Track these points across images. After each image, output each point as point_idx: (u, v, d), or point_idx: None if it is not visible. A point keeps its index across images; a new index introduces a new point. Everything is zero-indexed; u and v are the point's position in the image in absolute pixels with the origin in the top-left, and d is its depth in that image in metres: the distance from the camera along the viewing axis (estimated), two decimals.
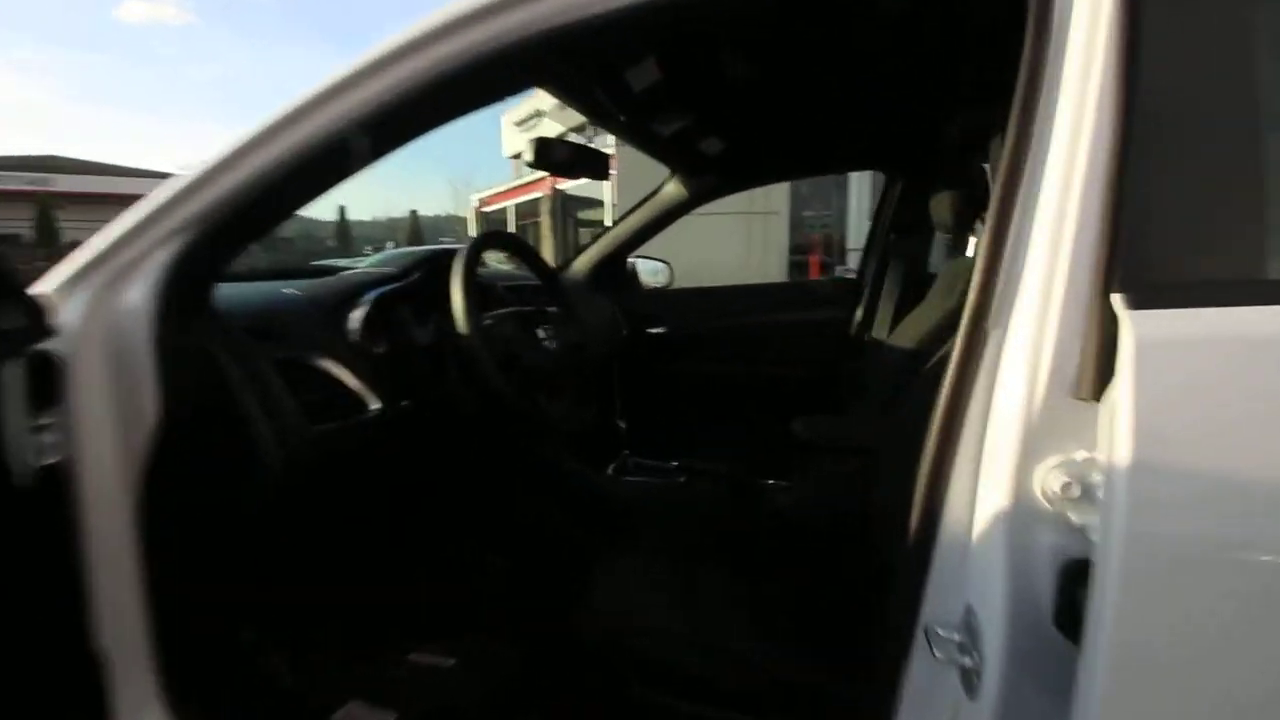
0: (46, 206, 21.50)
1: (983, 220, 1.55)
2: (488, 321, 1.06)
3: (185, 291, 0.82)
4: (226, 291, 0.97)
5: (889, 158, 1.88)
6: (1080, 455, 0.50)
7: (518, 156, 19.34)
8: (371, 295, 1.07)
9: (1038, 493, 0.51)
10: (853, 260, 7.00)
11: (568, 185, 14.09)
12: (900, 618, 0.62)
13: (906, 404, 1.15)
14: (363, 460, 1.04)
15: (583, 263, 2.23)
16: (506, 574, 1.36)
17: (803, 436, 1.33)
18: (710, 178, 1.94)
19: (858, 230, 6.97)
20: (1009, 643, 0.51)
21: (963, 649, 0.55)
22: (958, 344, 0.58)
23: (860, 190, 6.80)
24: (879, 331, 1.94)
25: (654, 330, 2.29)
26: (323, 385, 0.96)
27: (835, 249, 7.67)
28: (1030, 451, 0.51)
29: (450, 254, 1.25)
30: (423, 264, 1.21)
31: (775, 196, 6.40)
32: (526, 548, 1.42)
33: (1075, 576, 0.50)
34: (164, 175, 1.05)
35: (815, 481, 1.37)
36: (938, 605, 0.60)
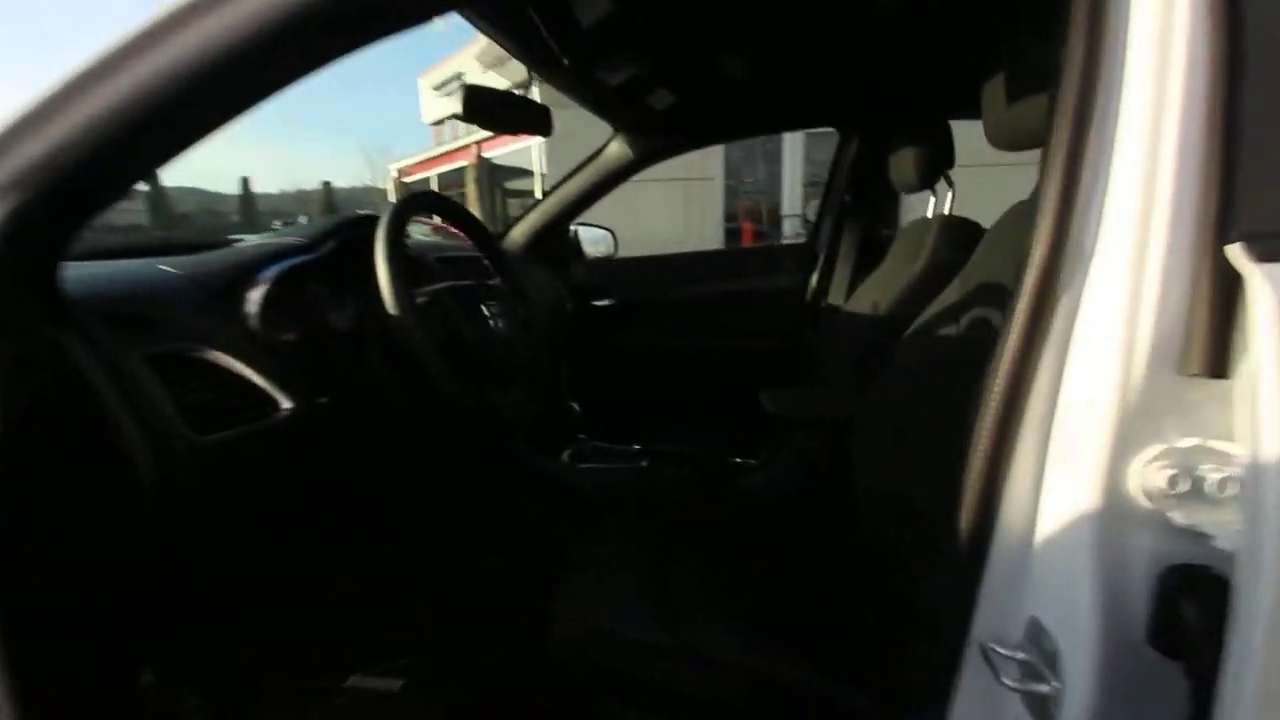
0: None
1: (948, 179, 1.49)
2: (422, 299, 0.90)
3: (16, 270, 0.62)
4: (81, 271, 0.76)
5: (845, 114, 1.79)
6: (1188, 443, 0.41)
7: (439, 123, 18.43)
8: (273, 271, 0.88)
9: (1133, 489, 0.42)
10: (788, 227, 7.02)
11: (494, 153, 13.52)
12: (946, 632, 0.53)
13: (885, 374, 1.07)
14: (272, 471, 0.86)
15: (520, 232, 2.05)
16: (456, 585, 1.21)
17: (773, 411, 1.24)
18: (658, 136, 1.79)
19: (791, 197, 6.98)
20: (1101, 665, 0.43)
21: (1033, 672, 0.46)
22: (1015, 313, 0.48)
23: (794, 156, 6.79)
24: (835, 297, 1.87)
25: (601, 303, 2.15)
26: (215, 384, 0.78)
27: (769, 216, 7.66)
28: (1124, 440, 0.42)
29: (370, 220, 1.06)
30: (336, 232, 1.02)
31: (709, 162, 6.30)
32: (477, 554, 1.28)
33: (1180, 586, 0.41)
34: None
35: (788, 459, 1.29)
36: (993, 619, 0.50)
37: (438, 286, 0.94)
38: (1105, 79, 0.45)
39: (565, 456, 1.39)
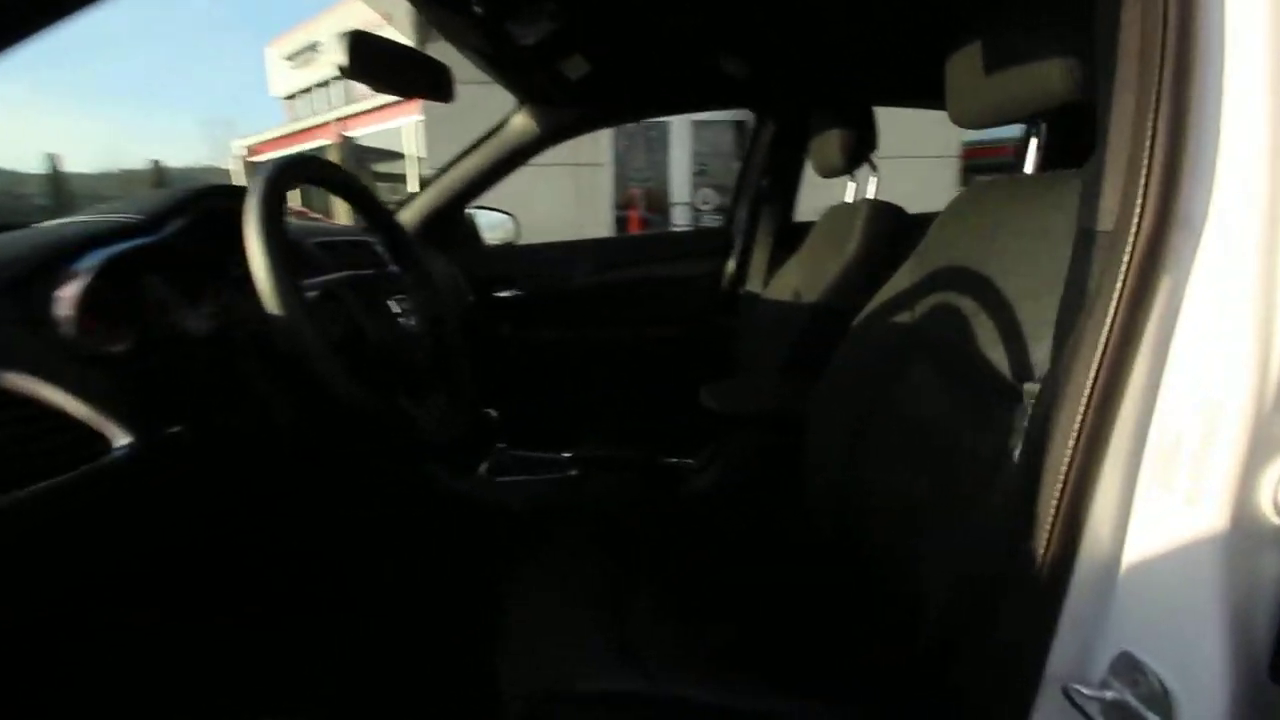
0: None
1: (871, 164, 1.47)
2: (311, 293, 0.70)
3: None
4: None
5: (764, 96, 1.73)
6: None
7: (292, 97, 16.74)
8: (95, 259, 0.64)
9: (1265, 505, 0.36)
10: (677, 216, 7.04)
11: (359, 132, 12.47)
12: (1014, 668, 0.45)
13: (836, 364, 1.01)
14: (104, 534, 0.63)
15: (410, 216, 1.82)
16: (367, 656, 1.01)
17: (718, 408, 1.15)
18: (569, 110, 1.64)
19: (680, 185, 7.00)
20: (1229, 707, 0.36)
21: (1132, 715, 0.40)
22: (1085, 305, 0.41)
23: (681, 143, 6.80)
24: (754, 284, 1.83)
25: (504, 293, 1.96)
26: (13, 418, 0.55)
27: (656, 203, 7.68)
28: (1257, 449, 0.35)
29: (229, 192, 0.84)
30: (182, 208, 0.78)
31: (598, 148, 6.16)
32: (390, 599, 1.08)
33: None
34: None
35: (732, 457, 1.21)
36: (1072, 654, 0.43)
37: (331, 277, 0.74)
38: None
39: (482, 471, 1.22)
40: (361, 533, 1.09)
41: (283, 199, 0.67)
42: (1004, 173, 0.86)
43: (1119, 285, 0.39)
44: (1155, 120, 0.38)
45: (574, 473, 1.23)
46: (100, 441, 0.60)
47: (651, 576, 0.86)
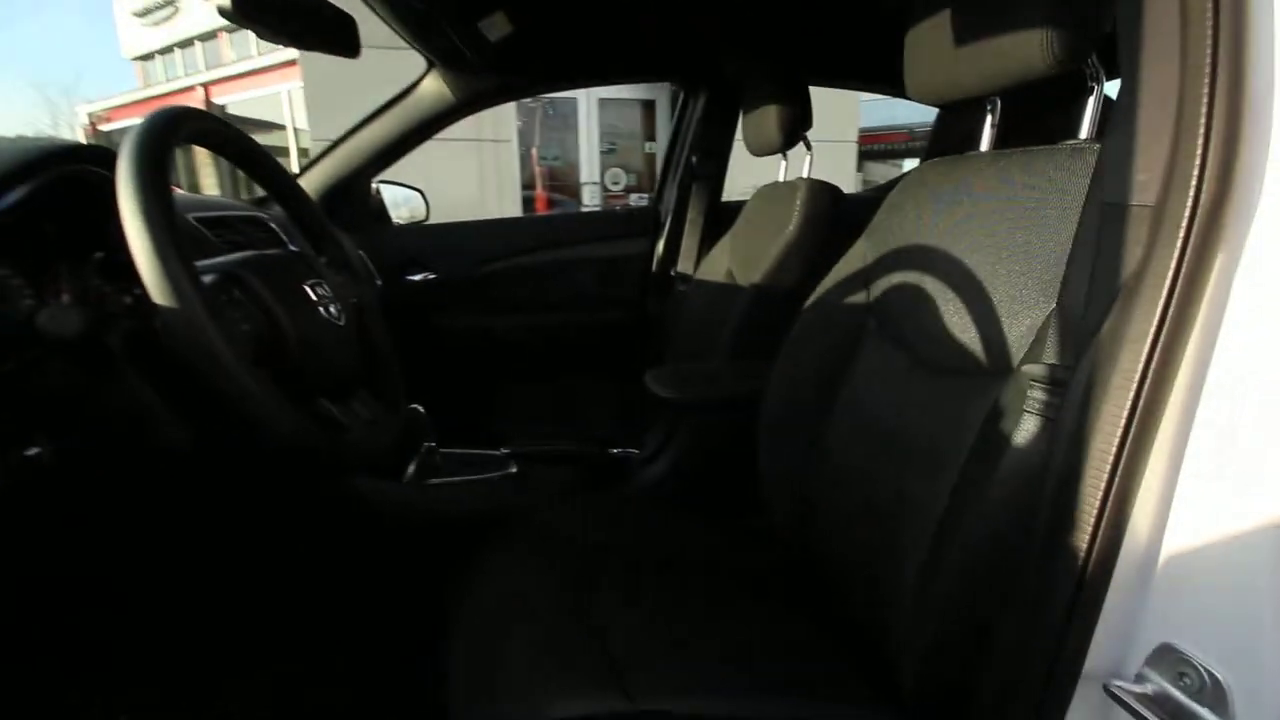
0: None
1: (806, 142, 1.45)
2: (208, 277, 0.56)
3: None
4: None
5: (694, 68, 1.67)
6: None
7: (147, 58, 14.88)
8: None
9: None
10: (587, 195, 6.91)
11: (229, 99, 11.26)
12: (1046, 665, 0.43)
13: (788, 347, 0.99)
14: None
15: (308, 190, 1.61)
16: (293, 677, 0.87)
17: (667, 395, 1.10)
18: (487, 75, 1.51)
19: (589, 164, 6.86)
20: None
21: (1181, 711, 0.38)
22: (1120, 283, 0.38)
23: (589, 121, 6.65)
24: (685, 265, 1.79)
25: (416, 277, 1.81)
26: None
27: (567, 183, 7.49)
28: None
29: (84, 154, 0.68)
30: (25, 173, 0.61)
31: (503, 124, 5.90)
32: (319, 633, 0.95)
33: None
34: None
35: (682, 445, 1.16)
36: (1108, 648, 0.42)
37: (231, 259, 0.60)
38: None
39: (410, 472, 1.10)
40: (280, 560, 0.94)
41: (167, 159, 0.52)
42: (897, 157, 0.85)
43: (1172, 263, 0.37)
44: (1211, 90, 0.36)
45: (513, 470, 1.13)
46: None
47: (613, 585, 0.79)
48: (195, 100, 11.68)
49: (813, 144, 1.37)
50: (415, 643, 0.81)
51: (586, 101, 6.42)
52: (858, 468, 0.79)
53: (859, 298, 0.90)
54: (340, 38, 1.02)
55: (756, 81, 1.35)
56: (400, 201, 1.99)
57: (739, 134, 1.59)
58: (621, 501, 1.04)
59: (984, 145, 0.78)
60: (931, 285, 0.75)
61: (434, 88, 1.54)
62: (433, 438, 1.18)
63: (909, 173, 0.90)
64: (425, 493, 1.06)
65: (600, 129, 6.65)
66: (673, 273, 1.79)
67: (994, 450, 0.54)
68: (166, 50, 14.59)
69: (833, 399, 0.87)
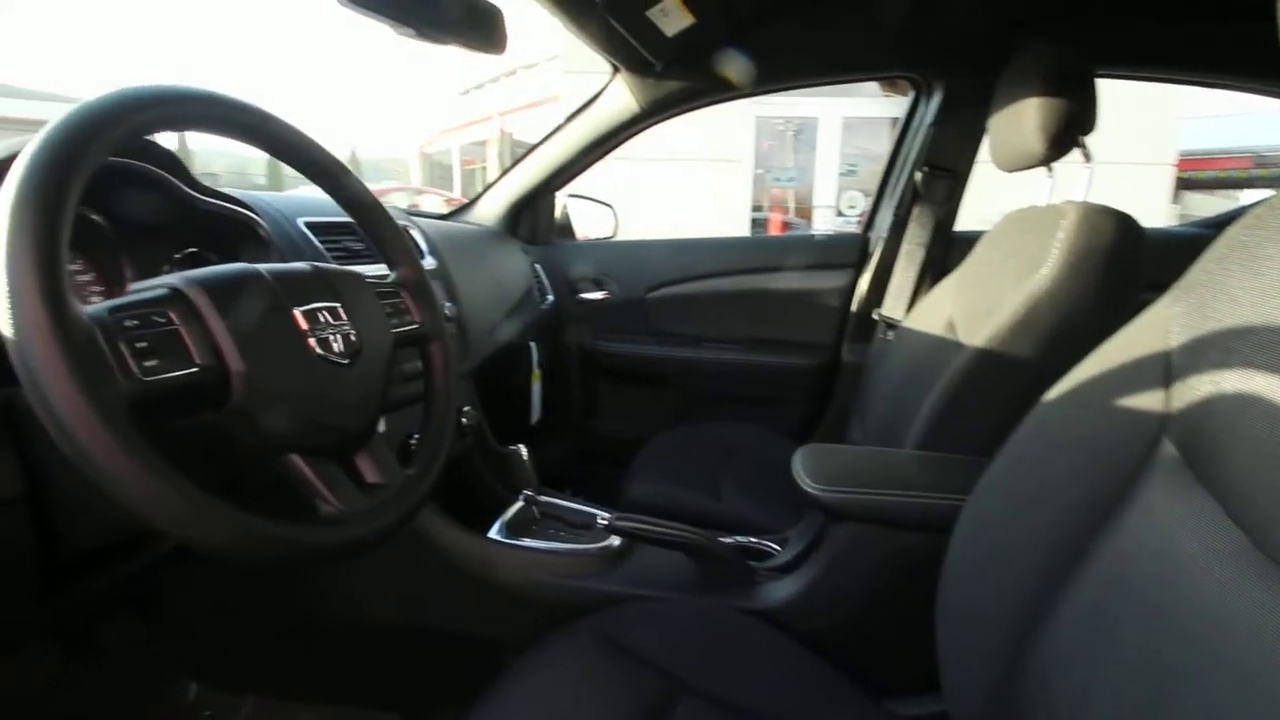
0: None
1: (1084, 149, 1.01)
2: (145, 293, 0.44)
3: None
4: None
5: (930, 55, 1.31)
6: None
7: (466, 93, 17.94)
8: None
9: None
10: (819, 219, 6.48)
11: (515, 129, 12.95)
12: None
13: (1016, 440, 0.62)
14: None
15: (495, 202, 1.61)
16: None
17: (811, 488, 0.80)
18: (671, 78, 1.34)
19: (824, 186, 6.42)
20: None
21: None
22: None
23: (830, 142, 6.22)
24: (893, 308, 1.42)
25: (590, 295, 1.71)
26: None
27: (799, 207, 7.13)
28: None
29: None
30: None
31: (737, 144, 5.78)
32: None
33: None
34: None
35: (834, 555, 0.84)
36: None
37: (186, 275, 0.46)
38: None
39: (497, 527, 0.96)
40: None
41: (79, 160, 0.40)
42: (1232, 188, 0.43)
43: None
44: None
45: (615, 543, 0.93)
46: None
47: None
48: (491, 126, 13.69)
49: (1111, 166, 0.93)
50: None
51: (829, 120, 6.00)
52: (1118, 692, 0.43)
53: (1150, 399, 0.51)
54: (480, 31, 0.92)
55: (1021, 69, 0.96)
56: (591, 216, 1.94)
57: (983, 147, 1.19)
58: (736, 622, 0.77)
59: None
60: None
61: (618, 96, 1.42)
62: (533, 484, 1.03)
63: (1259, 204, 0.49)
64: (510, 556, 0.91)
65: (843, 149, 6.17)
66: (876, 315, 1.43)
67: None
68: (481, 85, 17.44)
69: (1079, 556, 0.51)
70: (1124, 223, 0.85)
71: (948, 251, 1.43)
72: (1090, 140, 0.96)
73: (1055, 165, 0.96)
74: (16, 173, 0.38)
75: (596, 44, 1.23)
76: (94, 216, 0.63)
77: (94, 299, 0.65)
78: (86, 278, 0.65)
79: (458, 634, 0.93)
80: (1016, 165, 1.00)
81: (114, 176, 0.60)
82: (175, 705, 0.94)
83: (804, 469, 0.83)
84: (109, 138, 0.41)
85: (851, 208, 6.07)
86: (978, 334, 0.88)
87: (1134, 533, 0.47)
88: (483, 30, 0.92)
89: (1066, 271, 0.82)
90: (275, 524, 0.44)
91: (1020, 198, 1.06)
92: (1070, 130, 0.92)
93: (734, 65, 1.30)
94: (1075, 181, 0.97)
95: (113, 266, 0.65)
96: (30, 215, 0.37)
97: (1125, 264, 0.83)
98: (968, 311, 1.02)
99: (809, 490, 0.79)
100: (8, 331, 0.35)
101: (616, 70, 1.37)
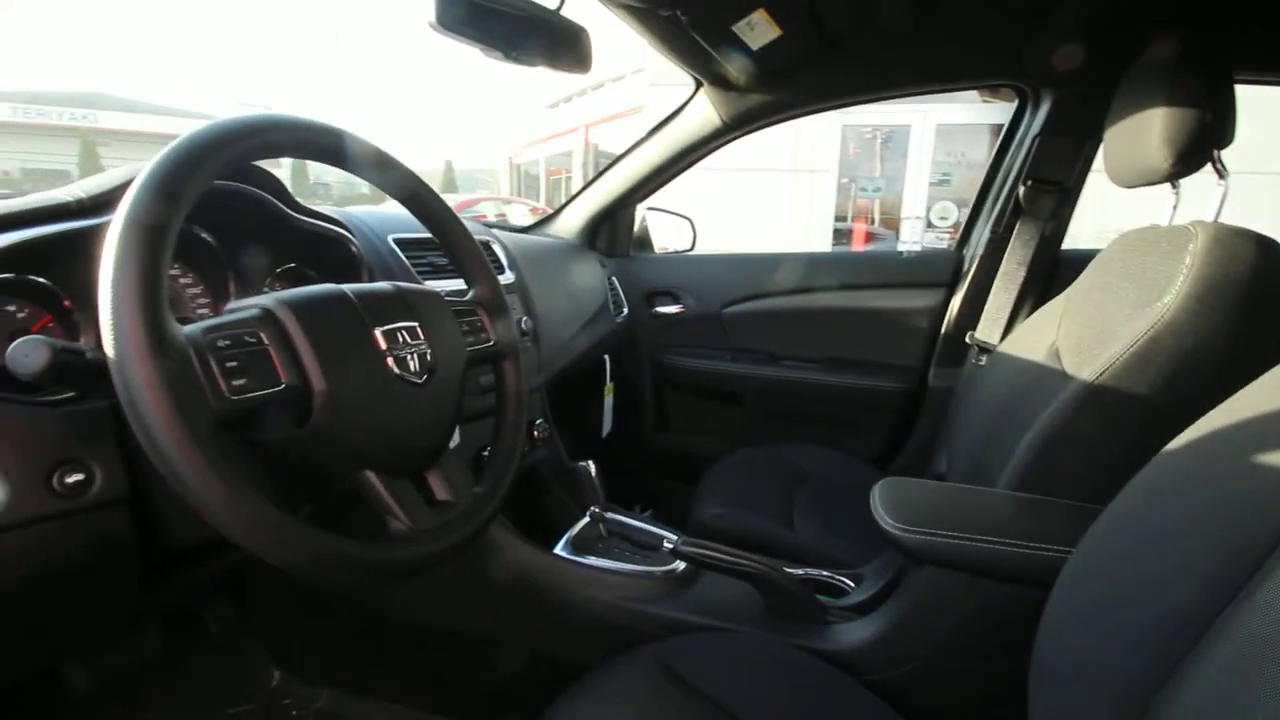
0: (90, 143, 21.34)
1: (1217, 165, 0.88)
2: (236, 315, 0.46)
3: None
4: None
5: (1034, 63, 1.22)
6: None
7: (555, 106, 18.51)
8: None
9: None
10: (906, 231, 6.20)
11: (600, 140, 13.21)
12: None
13: (1131, 500, 0.56)
14: None
15: (576, 214, 1.63)
16: None
17: (890, 527, 0.75)
18: (757, 91, 1.31)
19: (914, 197, 6.13)
20: None
21: None
22: None
23: (921, 151, 5.94)
24: (989, 332, 1.32)
25: (666, 309, 1.70)
26: None
27: (885, 218, 6.85)
28: None
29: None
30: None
31: (824, 152, 5.63)
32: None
33: None
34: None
35: (908, 604, 0.79)
36: None
37: (279, 295, 0.49)
38: None
39: (563, 543, 0.96)
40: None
41: (184, 189, 0.43)
42: None
43: None
44: None
45: (679, 567, 0.91)
46: None
47: None
48: (577, 138, 14.04)
49: (1245, 176, 0.83)
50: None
51: (921, 127, 5.73)
52: None
53: None
54: (566, 52, 0.93)
55: (1146, 74, 0.87)
56: (670, 228, 1.93)
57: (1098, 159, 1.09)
58: (802, 663, 0.73)
59: None
60: None
61: (701, 110, 1.40)
62: (600, 501, 1.02)
63: None
64: (574, 573, 0.91)
65: (937, 157, 5.88)
66: (969, 338, 1.34)
67: None
68: (569, 99, 17.94)
69: (1205, 630, 0.44)
70: (1266, 247, 0.75)
71: (1053, 272, 1.32)
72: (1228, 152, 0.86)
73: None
74: (126, 202, 0.41)
75: (680, 59, 1.23)
76: (203, 235, 0.68)
77: (202, 311, 0.70)
78: (196, 290, 0.70)
79: (520, 647, 0.94)
80: (1136, 181, 0.91)
81: (221, 197, 0.64)
82: (261, 689, 0.99)
83: (883, 505, 0.77)
84: (209, 168, 0.44)
85: (943, 219, 5.75)
86: (1087, 366, 0.80)
87: (1276, 612, 0.41)
88: (569, 50, 0.94)
89: (1193, 302, 0.73)
90: (345, 543, 0.46)
91: (1129, 212, 0.96)
92: (1203, 144, 0.82)
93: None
94: (1204, 196, 0.87)
95: (219, 280, 0.70)
96: (134, 244, 0.40)
97: (1265, 296, 0.73)
98: (1075, 340, 0.93)
99: (889, 529, 0.74)
100: (109, 350, 0.38)
101: (700, 84, 1.36)
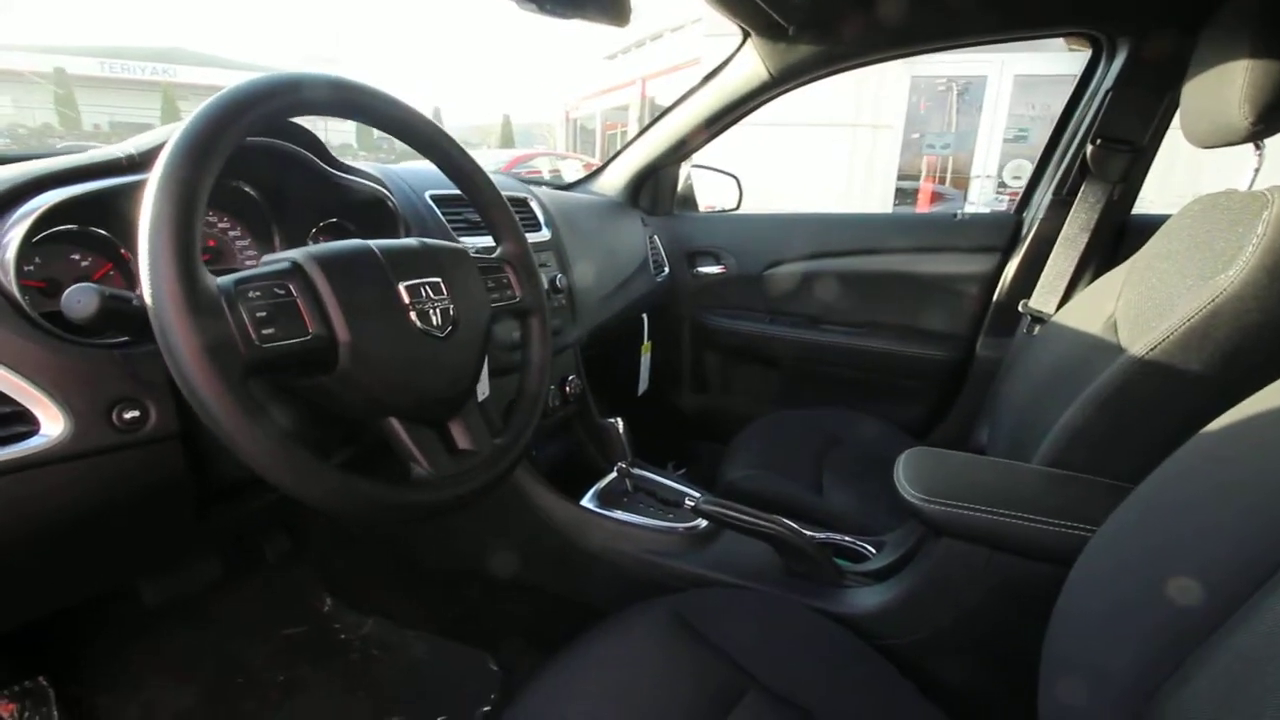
0: (171, 97, 22.32)
1: None
2: (266, 268, 0.49)
3: None
4: None
5: (1111, 8, 1.12)
6: None
7: (612, 57, 18.13)
8: (41, 202, 0.52)
9: None
10: (975, 191, 5.86)
11: (657, 93, 12.90)
12: None
13: (1174, 476, 0.54)
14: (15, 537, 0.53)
15: (620, 171, 1.62)
16: None
17: (912, 498, 0.74)
18: (805, 41, 1.25)
19: (987, 155, 5.77)
20: None
21: None
22: None
23: (997, 105, 5.54)
24: (1044, 300, 1.26)
25: (707, 269, 1.69)
26: None
27: (955, 176, 6.47)
28: None
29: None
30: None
31: (888, 106, 5.33)
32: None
33: None
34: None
35: (926, 575, 0.78)
36: None
37: (306, 250, 0.51)
38: None
39: (590, 495, 0.99)
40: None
41: (217, 145, 0.44)
42: None
43: None
44: None
45: (700, 525, 0.93)
46: (23, 422, 0.49)
47: None
48: (633, 91, 13.74)
49: None
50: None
51: (998, 77, 5.34)
52: None
53: None
54: (603, 4, 0.91)
55: (1234, 20, 0.79)
56: (715, 187, 1.89)
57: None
58: (815, 624, 0.74)
59: None
60: None
61: (748, 62, 1.35)
62: (627, 457, 1.04)
63: None
64: (598, 524, 0.94)
65: (1016, 111, 5.49)
66: (1022, 307, 1.28)
67: None
68: (627, 50, 17.52)
69: (1225, 618, 0.43)
70: None
71: (1120, 239, 1.23)
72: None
73: (1267, 142, 0.79)
74: (161, 160, 0.44)
75: (724, 6, 1.18)
76: (247, 189, 0.71)
77: (250, 263, 0.74)
78: (245, 243, 0.74)
79: (544, 589, 0.98)
80: (1213, 140, 0.83)
81: (262, 154, 0.67)
82: (313, 614, 1.09)
83: (905, 474, 0.77)
84: (237, 129, 0.47)
85: (1016, 178, 5.39)
86: (1141, 338, 0.76)
87: None
88: (606, 3, 0.92)
89: (1261, 274, 0.67)
90: (363, 482, 0.49)
91: (1223, 176, 0.88)
92: None
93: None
94: None
95: (264, 231, 0.74)
96: (166, 200, 0.42)
97: None
98: (1134, 311, 0.88)
99: (909, 499, 0.74)
100: (148, 299, 0.41)
101: (747, 35, 1.31)
